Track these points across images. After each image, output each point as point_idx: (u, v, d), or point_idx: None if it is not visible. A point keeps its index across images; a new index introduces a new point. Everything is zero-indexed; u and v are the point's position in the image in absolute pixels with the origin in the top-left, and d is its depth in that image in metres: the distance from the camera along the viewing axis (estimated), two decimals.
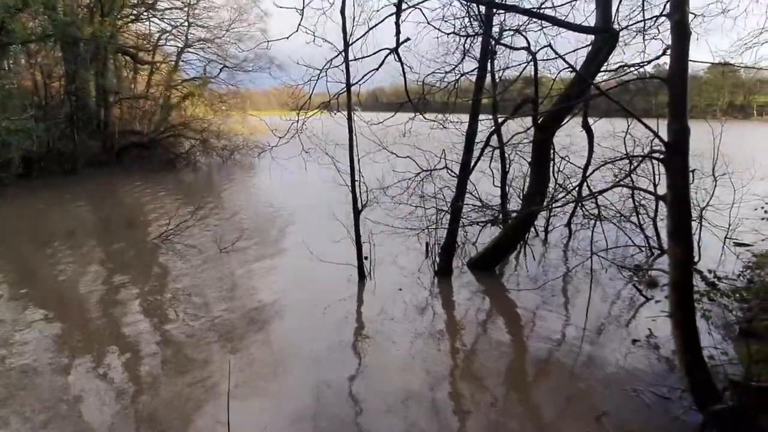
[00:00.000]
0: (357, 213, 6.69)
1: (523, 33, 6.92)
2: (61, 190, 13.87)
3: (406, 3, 5.46)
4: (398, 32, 5.28)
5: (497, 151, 8.44)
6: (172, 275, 7.05)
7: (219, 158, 20.25)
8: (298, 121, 6.15)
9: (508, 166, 8.74)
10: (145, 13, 19.61)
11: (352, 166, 6.54)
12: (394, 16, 5.18)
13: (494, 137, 7.73)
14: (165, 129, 19.70)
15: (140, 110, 20.27)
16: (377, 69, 5.74)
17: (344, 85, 6.16)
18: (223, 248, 8.17)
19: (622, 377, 4.39)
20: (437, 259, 7.19)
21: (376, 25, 5.73)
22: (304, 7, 5.87)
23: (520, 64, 7.24)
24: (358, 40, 5.84)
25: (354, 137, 6.48)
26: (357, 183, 6.60)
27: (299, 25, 5.88)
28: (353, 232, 6.70)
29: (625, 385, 4.25)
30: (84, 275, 7.01)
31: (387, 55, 5.52)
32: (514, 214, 7.58)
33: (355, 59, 5.81)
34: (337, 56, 5.95)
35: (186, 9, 19.60)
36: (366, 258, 6.96)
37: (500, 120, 7.67)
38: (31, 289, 6.47)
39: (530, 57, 6.55)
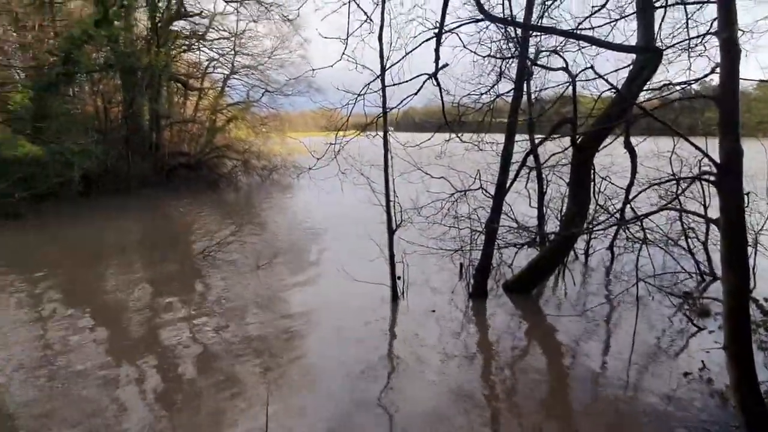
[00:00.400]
0: (391, 233, 6.72)
1: (561, 53, 6.86)
2: (116, 207, 14.81)
3: (443, 29, 5.56)
4: (437, 58, 5.35)
5: (534, 172, 8.29)
6: (212, 290, 7.31)
7: (259, 178, 21.07)
8: (335, 143, 6.33)
9: (545, 186, 8.55)
10: (196, 44, 21.02)
11: (386, 187, 6.62)
12: (434, 42, 5.28)
13: (530, 158, 7.62)
14: (210, 150, 20.75)
15: (188, 133, 21.50)
16: (415, 94, 5.83)
17: (380, 108, 6.30)
18: (260, 265, 8.40)
19: (671, 413, 4.10)
20: (472, 280, 7.06)
21: (413, 50, 5.86)
22: (348, 37, 6.12)
23: (558, 85, 7.17)
24: (395, 64, 5.99)
25: (389, 158, 6.58)
26: (391, 203, 6.66)
27: (343, 53, 6.12)
28: (387, 251, 6.72)
29: (676, 422, 3.95)
30: (131, 288, 7.40)
31: (425, 81, 5.60)
32: (552, 236, 7.37)
33: (393, 84, 5.95)
34: (374, 80, 6.12)
35: (233, 39, 20.88)
36: (399, 278, 6.95)
37: (537, 140, 7.56)
38: (83, 300, 6.89)
39: (568, 77, 6.48)
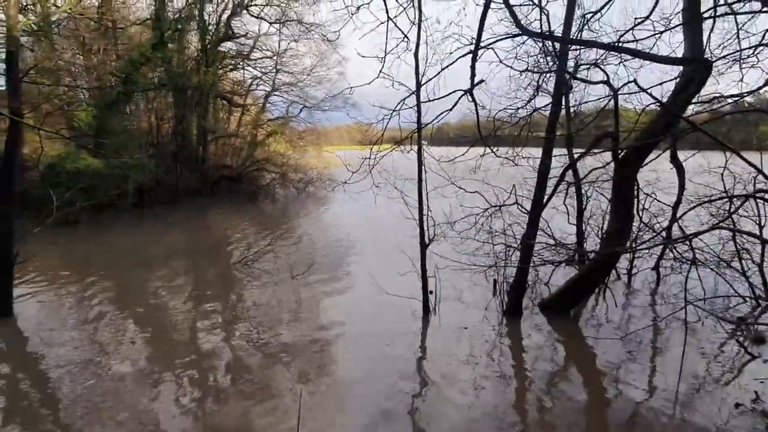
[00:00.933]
0: (423, 247, 6.69)
1: (602, 66, 6.67)
2: (165, 218, 15.65)
3: (478, 45, 5.54)
4: (473, 75, 5.32)
5: (572, 188, 8.04)
6: (249, 299, 7.53)
7: (295, 191, 21.67)
8: (370, 157, 6.41)
9: (584, 202, 8.25)
10: (240, 63, 22.16)
11: (420, 201, 6.63)
12: (470, 59, 5.27)
13: (569, 173, 7.39)
14: (251, 164, 21.64)
15: (231, 147, 22.52)
16: (450, 110, 5.83)
17: (415, 123, 6.35)
18: (295, 275, 8.58)
19: None
20: (506, 297, 6.88)
21: (448, 66, 5.86)
22: (385, 55, 6.26)
23: (598, 99, 6.94)
24: (429, 80, 6.03)
25: (423, 172, 6.60)
26: (425, 217, 6.64)
27: (380, 71, 6.24)
28: (419, 265, 6.69)
29: None
30: (173, 294, 7.75)
31: (461, 97, 5.57)
32: (592, 254, 7.08)
33: (428, 100, 5.98)
34: (409, 96, 6.18)
35: (275, 58, 21.87)
36: (431, 292, 6.88)
37: (576, 155, 7.34)
38: (130, 303, 7.28)
39: (609, 91, 6.27)
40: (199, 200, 18.58)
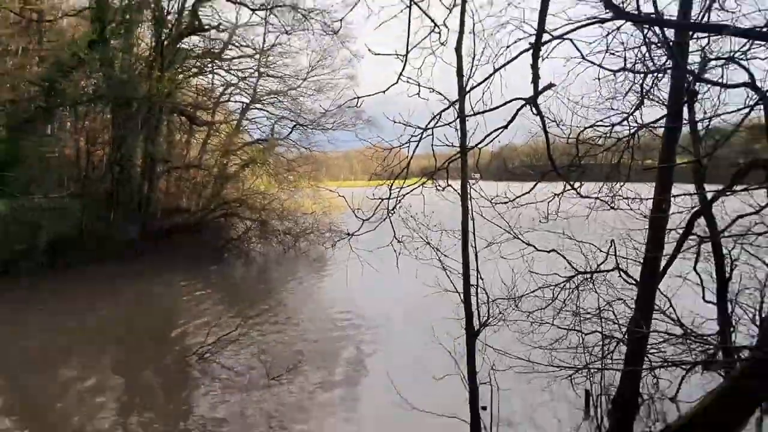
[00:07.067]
0: (472, 336, 6.35)
1: (743, 61, 6.59)
2: (87, 285, 15.76)
3: (549, 34, 5.56)
4: (536, 77, 5.25)
5: (707, 244, 7.73)
6: (206, 410, 7.38)
7: (280, 246, 21.62)
8: (389, 197, 6.29)
9: (728, 269, 7.87)
10: (209, 65, 23.00)
11: (465, 263, 6.36)
12: (530, 56, 5.23)
13: (700, 221, 7.13)
14: (216, 207, 21.91)
15: (190, 182, 23.04)
16: (505, 127, 5.74)
17: (457, 147, 6.21)
18: (275, 376, 8.35)
19: None
20: (605, 418, 6.53)
21: (504, 65, 5.84)
22: (407, 53, 6.29)
23: (739, 110, 6.81)
24: (478, 85, 5.97)
25: (470, 220, 6.38)
26: (474, 289, 6.37)
27: (400, 74, 6.26)
28: (465, 365, 6.33)
29: None
30: (94, 402, 7.59)
31: (519, 109, 5.51)
32: (746, 353, 6.65)
33: (474, 113, 5.91)
34: (447, 108, 6.12)
35: (258, 57, 22.69)
36: (484, 409, 6.49)
37: (710, 194, 7.11)
38: (30, 418, 7.08)
39: (757, 96, 6.15)
40: (141, 259, 18.80)
